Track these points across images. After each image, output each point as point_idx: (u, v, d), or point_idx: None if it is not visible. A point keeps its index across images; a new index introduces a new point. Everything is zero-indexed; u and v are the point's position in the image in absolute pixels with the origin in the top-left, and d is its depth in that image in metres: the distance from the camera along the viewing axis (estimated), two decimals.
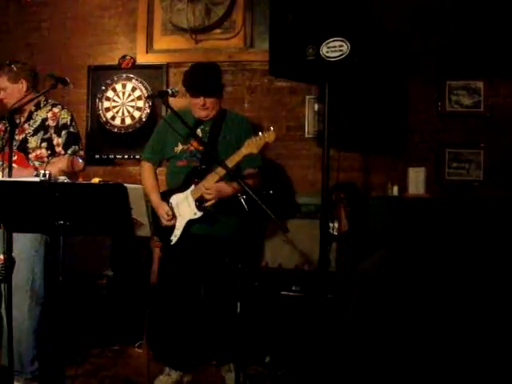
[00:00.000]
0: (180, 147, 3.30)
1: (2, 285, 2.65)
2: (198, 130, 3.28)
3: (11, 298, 2.66)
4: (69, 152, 3.18)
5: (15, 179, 2.47)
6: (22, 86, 3.26)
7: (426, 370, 2.92)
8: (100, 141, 4.57)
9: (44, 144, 3.19)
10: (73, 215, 2.23)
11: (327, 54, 3.07)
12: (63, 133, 3.21)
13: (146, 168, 3.49)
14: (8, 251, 2.57)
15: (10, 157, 2.71)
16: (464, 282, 3.01)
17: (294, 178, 4.30)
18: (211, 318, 3.38)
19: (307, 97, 4.29)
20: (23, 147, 3.19)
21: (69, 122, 3.25)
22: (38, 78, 3.37)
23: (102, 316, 3.97)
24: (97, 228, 2.36)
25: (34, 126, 3.22)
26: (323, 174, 3.21)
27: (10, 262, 2.57)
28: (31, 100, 3.18)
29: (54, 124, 3.22)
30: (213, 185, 3.10)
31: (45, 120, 3.23)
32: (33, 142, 3.19)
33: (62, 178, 2.20)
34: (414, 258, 3.11)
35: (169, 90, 3.00)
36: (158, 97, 3.08)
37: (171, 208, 3.24)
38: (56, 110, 3.26)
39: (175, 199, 3.25)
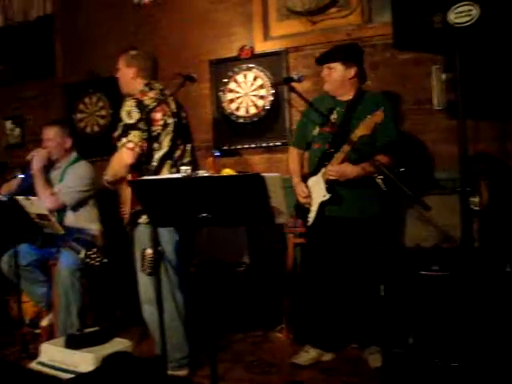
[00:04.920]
0: (317, 130, 3.37)
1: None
2: (334, 112, 3.30)
3: (161, 290, 2.79)
4: (119, 145, 3.11)
5: (159, 177, 2.58)
6: (132, 71, 3.29)
7: None
8: (226, 133, 4.66)
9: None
10: (214, 207, 2.29)
11: (455, 21, 2.91)
12: (119, 125, 3.14)
13: (291, 153, 3.64)
14: (155, 245, 2.69)
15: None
16: None
17: (425, 152, 4.14)
18: (353, 299, 3.37)
19: (433, 67, 4.09)
20: None
21: (125, 113, 3.10)
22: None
23: (242, 303, 4.07)
24: (237, 218, 2.40)
25: None
26: (460, 145, 3.06)
27: (158, 255, 2.69)
28: (143, 91, 3.20)
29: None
30: (335, 166, 3.14)
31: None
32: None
33: (202, 172, 2.25)
34: None
35: (294, 75, 3.00)
36: (284, 83, 3.09)
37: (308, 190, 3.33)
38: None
39: (310, 182, 3.34)
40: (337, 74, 3.30)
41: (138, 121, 3.01)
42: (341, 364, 3.38)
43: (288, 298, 3.89)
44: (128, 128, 3.03)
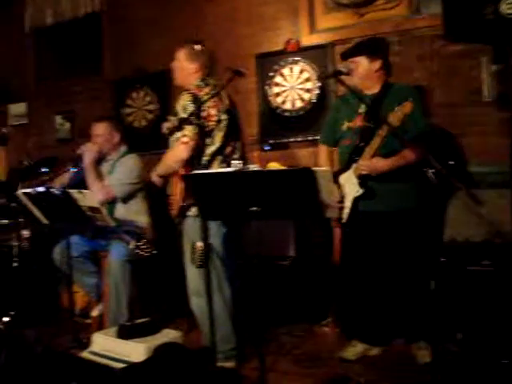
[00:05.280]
0: (345, 126, 3.34)
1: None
2: (362, 106, 3.26)
3: (210, 283, 2.83)
4: (171, 140, 3.16)
5: (212, 171, 2.61)
6: (193, 67, 3.27)
7: None
8: (272, 126, 4.66)
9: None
10: (264, 201, 2.31)
11: (507, 11, 2.86)
12: (170, 118, 3.23)
13: (320, 149, 3.62)
14: (205, 238, 2.73)
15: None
16: None
17: (473, 145, 4.06)
18: (401, 294, 3.35)
19: (483, 58, 4.01)
20: None
21: (181, 108, 3.12)
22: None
23: (288, 296, 4.08)
24: (287, 212, 2.41)
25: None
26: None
27: (207, 248, 2.73)
28: (199, 86, 3.21)
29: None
30: (366, 161, 3.13)
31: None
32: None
33: (253, 167, 2.27)
34: None
35: (343, 68, 3.00)
36: (332, 76, 3.07)
37: (340, 187, 3.28)
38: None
39: (342, 178, 3.30)
40: (362, 68, 3.26)
41: (193, 115, 3.01)
42: (388, 359, 3.36)
43: (334, 291, 3.88)
44: (183, 122, 3.04)
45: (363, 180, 3.18)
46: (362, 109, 3.27)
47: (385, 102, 3.23)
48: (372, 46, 3.30)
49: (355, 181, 3.21)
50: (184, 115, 3.05)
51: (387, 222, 3.24)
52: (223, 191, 2.35)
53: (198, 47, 3.31)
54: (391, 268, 3.32)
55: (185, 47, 3.32)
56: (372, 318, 3.40)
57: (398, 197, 3.22)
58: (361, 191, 3.19)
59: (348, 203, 3.26)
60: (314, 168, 2.21)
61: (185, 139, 3.01)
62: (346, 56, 3.35)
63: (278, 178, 2.28)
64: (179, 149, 3.04)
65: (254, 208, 2.32)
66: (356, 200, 3.22)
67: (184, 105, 3.09)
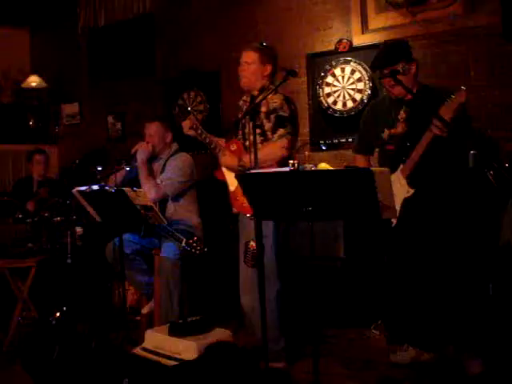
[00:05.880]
0: (386, 133, 3.24)
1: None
2: (401, 112, 3.18)
3: (263, 283, 2.82)
4: (275, 136, 3.19)
5: (266, 171, 2.61)
6: (268, 69, 3.33)
7: None
8: (323, 126, 4.65)
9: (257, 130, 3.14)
10: (320, 201, 2.29)
11: None
12: (272, 116, 3.21)
13: (357, 159, 3.56)
14: (259, 238, 2.73)
15: (255, 143, 2.83)
16: None
17: None
18: (456, 298, 3.26)
19: None
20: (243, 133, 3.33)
21: (279, 106, 3.20)
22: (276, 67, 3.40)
23: (337, 299, 4.04)
24: (343, 212, 2.39)
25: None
26: None
27: (261, 248, 2.72)
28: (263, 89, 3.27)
29: (265, 110, 3.23)
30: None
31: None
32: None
33: (309, 166, 2.26)
34: None
35: (400, 68, 2.94)
36: (389, 76, 3.02)
37: None
38: (269, 96, 3.18)
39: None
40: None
41: (292, 114, 3.14)
42: (440, 365, 3.28)
43: (385, 294, 3.82)
44: (284, 120, 3.16)
45: (412, 180, 3.12)
46: (403, 114, 3.18)
47: (425, 104, 3.13)
48: (408, 50, 3.18)
49: (404, 182, 3.13)
50: (284, 114, 3.18)
51: (440, 223, 3.16)
52: (279, 191, 2.34)
53: (272, 51, 3.40)
54: (444, 270, 3.24)
55: (260, 50, 3.36)
56: (424, 322, 3.33)
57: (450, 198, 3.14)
58: (411, 191, 3.12)
59: (397, 206, 3.19)
60: (373, 168, 2.17)
61: (288, 137, 3.14)
62: (382, 65, 3.17)
63: (337, 178, 2.26)
64: (282, 147, 3.14)
65: (309, 208, 2.29)
66: (406, 201, 3.15)
67: (281, 104, 3.19)
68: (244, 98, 3.46)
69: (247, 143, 3.30)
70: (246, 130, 3.28)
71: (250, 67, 3.33)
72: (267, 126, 3.23)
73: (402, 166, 3.14)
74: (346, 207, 2.32)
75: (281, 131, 3.16)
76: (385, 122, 3.23)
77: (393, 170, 3.18)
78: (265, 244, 3.11)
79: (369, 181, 2.15)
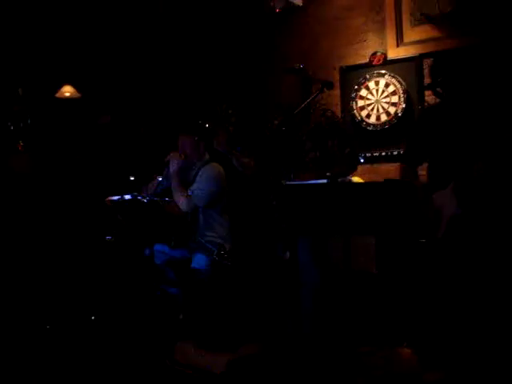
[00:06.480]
0: None
1: None
2: None
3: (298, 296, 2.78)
4: None
5: (304, 182, 2.57)
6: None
7: None
8: (356, 140, 4.58)
9: None
10: (360, 215, 2.24)
11: None
12: None
13: None
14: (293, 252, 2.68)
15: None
16: None
17: None
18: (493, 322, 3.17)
19: None
20: None
21: None
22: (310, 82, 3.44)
23: (368, 314, 3.96)
24: (382, 226, 2.33)
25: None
26: None
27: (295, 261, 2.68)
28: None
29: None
30: None
31: None
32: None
33: (349, 179, 2.21)
34: None
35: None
36: (428, 89, 2.97)
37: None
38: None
39: (437, 196, 3.15)
40: None
41: None
42: None
43: (420, 312, 3.74)
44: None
45: (463, 199, 3.02)
46: None
47: None
48: None
49: (453, 199, 3.06)
50: None
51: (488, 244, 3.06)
52: (319, 203, 2.29)
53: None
54: (491, 291, 3.14)
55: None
56: (457, 342, 3.24)
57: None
58: (459, 211, 3.04)
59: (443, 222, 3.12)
60: (415, 182, 2.12)
61: None
62: None
63: (376, 191, 2.21)
64: None
65: (348, 221, 2.25)
66: (453, 218, 3.07)
67: None
68: None
69: None
70: None
71: None
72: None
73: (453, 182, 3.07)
74: (385, 221, 2.27)
75: None
76: None
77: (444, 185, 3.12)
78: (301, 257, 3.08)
79: (411, 194, 2.10)
